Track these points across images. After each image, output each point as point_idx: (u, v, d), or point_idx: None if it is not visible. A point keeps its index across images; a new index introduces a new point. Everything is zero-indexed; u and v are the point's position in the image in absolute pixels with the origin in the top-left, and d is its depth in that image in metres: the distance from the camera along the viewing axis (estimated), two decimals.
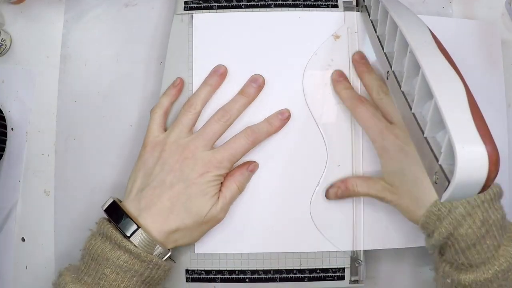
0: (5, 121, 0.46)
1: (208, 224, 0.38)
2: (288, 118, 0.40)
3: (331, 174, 0.40)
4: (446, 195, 0.24)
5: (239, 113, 0.39)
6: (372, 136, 0.38)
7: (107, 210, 0.36)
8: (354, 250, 0.40)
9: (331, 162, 0.40)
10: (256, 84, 0.40)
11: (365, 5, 0.40)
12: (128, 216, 0.35)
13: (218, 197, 0.37)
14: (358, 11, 0.42)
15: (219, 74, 0.40)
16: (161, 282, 0.37)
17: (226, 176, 0.38)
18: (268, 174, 0.41)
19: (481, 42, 0.43)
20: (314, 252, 0.40)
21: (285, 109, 0.40)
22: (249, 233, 0.40)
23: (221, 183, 0.38)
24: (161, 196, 0.36)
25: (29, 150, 0.46)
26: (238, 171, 0.39)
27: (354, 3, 0.42)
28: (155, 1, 0.47)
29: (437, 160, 0.25)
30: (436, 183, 0.25)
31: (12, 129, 0.47)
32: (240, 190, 0.39)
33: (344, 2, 0.42)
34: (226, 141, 0.38)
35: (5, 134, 0.46)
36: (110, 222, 0.36)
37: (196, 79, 0.41)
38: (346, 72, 0.41)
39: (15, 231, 0.46)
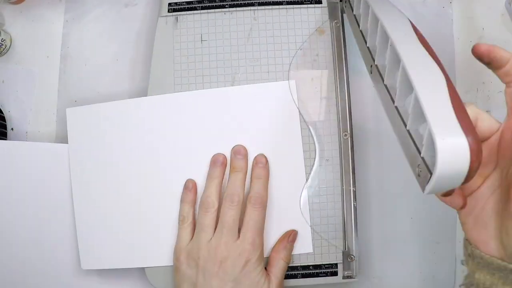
0: (5, 121, 0.46)
1: None
2: (266, 161, 0.40)
3: (320, 169, 0.40)
4: (428, 188, 0.24)
5: (243, 189, 0.39)
6: None
7: None
8: (346, 244, 0.40)
9: (320, 157, 0.40)
10: (241, 155, 0.40)
11: (348, 0, 0.40)
12: None
13: (270, 279, 0.37)
14: (342, 6, 0.42)
15: (220, 164, 0.40)
16: None
17: (271, 253, 0.39)
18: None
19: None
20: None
21: (260, 154, 0.40)
22: None
23: (267, 263, 0.38)
24: None
25: None
26: (281, 245, 0.39)
27: None
28: (155, 1, 0.47)
29: (420, 153, 0.25)
30: (419, 175, 0.25)
31: (12, 129, 0.47)
32: (288, 262, 0.39)
33: None
34: (243, 223, 0.38)
35: (5, 134, 0.46)
36: None
37: None
38: (330, 65, 0.41)
39: None
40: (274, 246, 0.39)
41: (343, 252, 0.40)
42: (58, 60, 0.47)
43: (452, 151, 0.22)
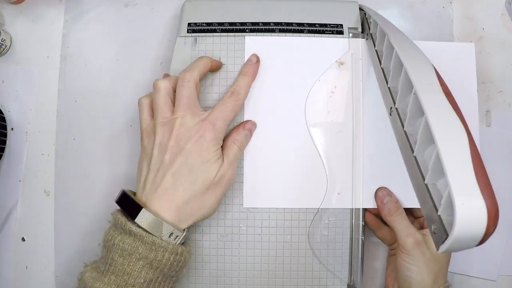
0: (5, 121, 0.46)
1: (220, 186, 0.37)
2: (258, 61, 0.40)
3: (330, 202, 0.40)
4: (443, 248, 0.24)
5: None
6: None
7: (118, 202, 0.36)
8: (352, 278, 0.40)
9: (331, 190, 0.40)
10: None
11: (371, 33, 0.40)
12: (133, 202, 0.35)
13: (222, 162, 0.37)
14: (364, 38, 0.41)
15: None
16: (176, 269, 0.35)
17: (224, 140, 0.38)
18: (266, 198, 0.40)
19: (457, 62, 0.42)
20: (311, 279, 0.40)
21: (252, 54, 0.41)
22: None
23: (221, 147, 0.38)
24: (164, 176, 0.35)
25: (29, 150, 0.46)
26: (234, 131, 0.39)
27: (360, 29, 0.41)
28: (155, 2, 0.47)
29: (437, 210, 0.25)
30: (434, 233, 0.26)
31: (12, 129, 0.47)
32: (241, 149, 0.39)
33: (349, 28, 0.41)
34: (213, 106, 0.38)
35: (5, 135, 0.46)
36: (121, 212, 0.36)
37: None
38: (348, 99, 0.41)
39: (15, 231, 0.46)
40: (229, 133, 0.39)
41: (348, 285, 0.40)
42: (58, 60, 0.47)
43: (470, 216, 0.23)
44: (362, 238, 0.39)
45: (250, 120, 0.40)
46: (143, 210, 0.34)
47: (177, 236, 0.35)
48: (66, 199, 0.46)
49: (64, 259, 0.45)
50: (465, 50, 0.41)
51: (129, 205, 0.35)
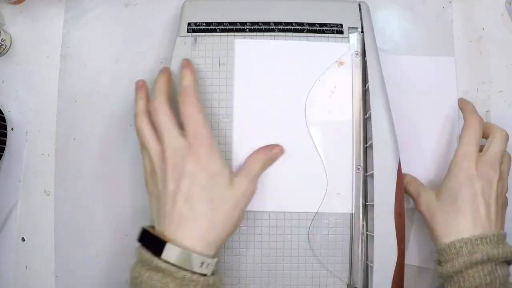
0: (5, 121, 0.46)
1: (240, 199, 0.35)
2: (188, 62, 0.38)
3: (330, 202, 0.40)
4: None
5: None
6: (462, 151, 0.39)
7: (140, 240, 0.35)
8: (352, 278, 0.40)
9: (331, 190, 0.40)
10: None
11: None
12: (156, 238, 0.33)
13: (236, 173, 0.36)
14: (363, 37, 0.41)
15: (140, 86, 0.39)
16: None
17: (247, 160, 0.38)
18: (266, 199, 0.40)
19: (437, 76, 0.45)
20: (312, 278, 0.40)
21: (183, 59, 0.39)
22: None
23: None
24: (175, 203, 0.33)
25: (29, 150, 0.46)
26: (261, 150, 0.38)
27: (360, 29, 0.41)
28: (155, 1, 0.47)
29: None
30: None
31: (12, 129, 0.47)
32: (263, 169, 0.38)
33: (349, 28, 0.41)
34: (183, 121, 0.36)
35: (5, 135, 0.46)
36: (144, 247, 0.34)
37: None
38: (349, 98, 0.41)
39: (15, 231, 0.46)
40: (256, 151, 0.39)
41: (347, 285, 0.40)
42: (58, 60, 0.47)
43: None
44: (362, 238, 0.39)
45: (279, 146, 0.39)
46: (168, 244, 0.32)
47: (209, 264, 0.33)
48: (66, 199, 0.46)
49: (64, 259, 0.45)
50: (446, 64, 0.43)
51: (152, 242, 0.33)
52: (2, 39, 0.46)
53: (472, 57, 0.46)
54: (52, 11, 0.47)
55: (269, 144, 0.39)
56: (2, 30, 0.46)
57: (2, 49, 0.46)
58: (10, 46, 0.47)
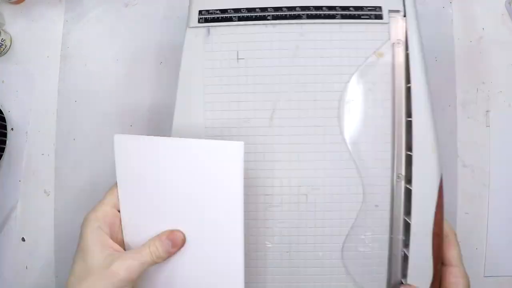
0: (5, 121, 0.46)
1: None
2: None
3: (366, 216, 0.35)
4: None
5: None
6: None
7: None
8: None
9: (367, 202, 0.35)
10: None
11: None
12: None
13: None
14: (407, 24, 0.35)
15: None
16: None
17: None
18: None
19: (224, 161, 0.32)
20: None
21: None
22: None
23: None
24: None
25: (29, 150, 0.46)
26: (157, 237, 0.32)
27: (402, 13, 0.35)
28: (155, 1, 0.47)
29: None
30: None
31: (12, 129, 0.47)
32: (153, 259, 0.31)
33: (390, 11, 0.35)
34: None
35: (5, 135, 0.46)
36: None
37: None
38: (389, 97, 0.34)
39: (15, 231, 0.46)
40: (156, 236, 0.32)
41: None
42: (58, 60, 0.47)
43: None
44: (402, 254, 0.34)
45: (179, 232, 0.32)
46: None
47: None
48: (66, 199, 0.46)
49: (64, 259, 0.45)
50: (234, 149, 0.32)
51: None
52: (2, 39, 0.46)
53: (472, 57, 0.46)
54: (52, 11, 0.48)
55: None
56: (2, 30, 0.46)
57: (2, 49, 0.46)
58: (10, 46, 0.47)
